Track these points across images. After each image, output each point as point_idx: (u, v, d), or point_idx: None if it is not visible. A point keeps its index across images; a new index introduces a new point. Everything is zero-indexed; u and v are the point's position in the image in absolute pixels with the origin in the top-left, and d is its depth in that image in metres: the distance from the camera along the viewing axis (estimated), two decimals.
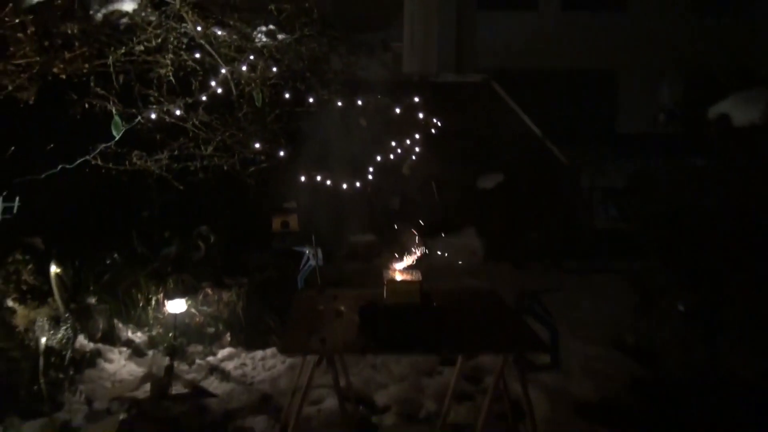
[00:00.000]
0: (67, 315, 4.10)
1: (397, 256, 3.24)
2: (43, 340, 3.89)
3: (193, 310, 5.49)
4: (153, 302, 5.35)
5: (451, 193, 8.90)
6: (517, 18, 16.95)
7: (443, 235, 8.45)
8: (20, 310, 3.88)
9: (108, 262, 4.98)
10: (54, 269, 4.15)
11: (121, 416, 3.76)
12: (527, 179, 9.04)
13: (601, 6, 17.02)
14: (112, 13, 5.26)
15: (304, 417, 3.98)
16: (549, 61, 16.62)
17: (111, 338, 5.04)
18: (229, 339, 5.53)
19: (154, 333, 5.28)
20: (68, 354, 4.09)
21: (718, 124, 3.51)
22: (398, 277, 3.10)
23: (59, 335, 3.96)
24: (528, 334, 2.85)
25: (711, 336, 4.36)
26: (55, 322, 3.98)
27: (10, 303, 3.85)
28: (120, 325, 5.18)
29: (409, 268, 3.21)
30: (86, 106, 4.19)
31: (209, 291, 5.59)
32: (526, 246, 8.80)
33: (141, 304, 5.33)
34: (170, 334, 5.05)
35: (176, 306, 5.14)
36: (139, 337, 5.25)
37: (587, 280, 7.83)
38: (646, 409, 4.31)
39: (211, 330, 5.54)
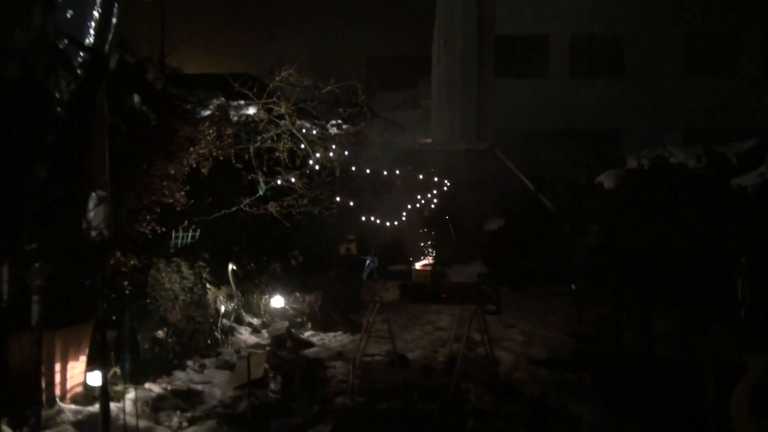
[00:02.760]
0: (238, 293, 7.05)
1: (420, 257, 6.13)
2: (222, 308, 6.82)
3: (287, 306, 8.40)
4: (263, 299, 8.27)
5: (463, 233, 11.74)
6: (530, 84, 19.66)
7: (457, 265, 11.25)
8: (211, 290, 6.84)
9: (248, 268, 7.96)
10: (231, 267, 7.14)
11: (267, 348, 6.62)
12: (523, 222, 11.82)
13: (603, 72, 19.65)
14: (242, 116, 8.44)
15: (363, 362, 6.75)
16: (558, 121, 19.02)
17: (239, 320, 7.95)
18: (310, 325, 8.40)
19: (264, 319, 8.19)
20: (231, 319, 7.02)
21: (598, 187, 6.30)
22: (419, 267, 5.97)
23: (233, 304, 6.90)
24: (485, 296, 5.65)
25: (618, 328, 6.98)
26: (230, 298, 6.92)
27: (208, 285, 6.84)
28: (243, 312, 8.09)
29: (425, 265, 6.09)
30: (249, 177, 7.27)
31: (297, 294, 8.51)
32: (523, 273, 11.51)
33: (255, 301, 8.25)
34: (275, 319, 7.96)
35: (277, 302, 8.08)
36: (255, 321, 8.16)
37: (563, 297, 10.50)
38: (575, 363, 6.95)
39: (299, 320, 8.42)
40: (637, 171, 5.70)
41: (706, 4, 18.79)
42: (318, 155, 7.56)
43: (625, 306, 6.88)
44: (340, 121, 8.60)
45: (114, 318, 4.95)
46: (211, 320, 7.06)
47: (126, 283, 6.18)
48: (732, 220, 4.28)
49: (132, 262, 6.20)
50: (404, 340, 8.00)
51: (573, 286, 7.18)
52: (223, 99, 8.07)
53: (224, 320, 7.42)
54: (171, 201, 6.37)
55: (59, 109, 3.26)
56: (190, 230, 7.23)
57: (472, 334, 6.09)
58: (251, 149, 7.55)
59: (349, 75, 8.50)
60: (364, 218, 7.76)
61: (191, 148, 6.98)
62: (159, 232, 6.21)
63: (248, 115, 8.28)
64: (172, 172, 6.50)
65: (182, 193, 6.49)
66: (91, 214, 3.93)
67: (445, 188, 8.85)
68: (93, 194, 3.89)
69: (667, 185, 5.05)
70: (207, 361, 6.78)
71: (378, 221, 7.94)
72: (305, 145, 7.66)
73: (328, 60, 8.18)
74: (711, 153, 4.90)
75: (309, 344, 7.48)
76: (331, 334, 8.24)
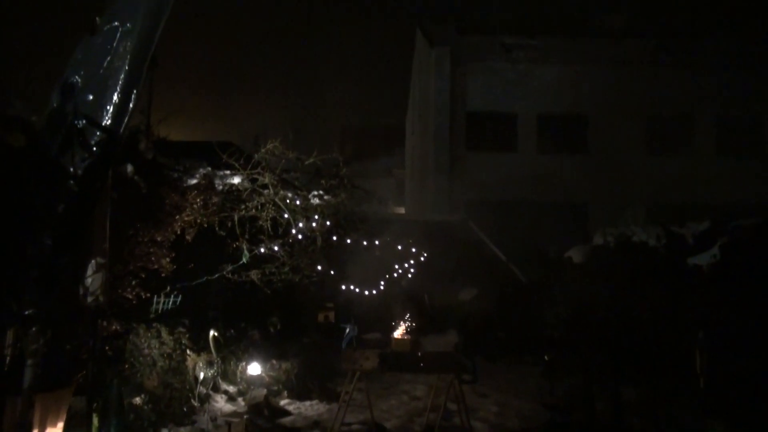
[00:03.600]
0: (218, 360, 7.07)
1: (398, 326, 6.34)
2: (201, 374, 6.83)
3: (263, 373, 8.40)
4: (240, 367, 8.26)
5: (438, 302, 11.96)
6: (500, 158, 20.48)
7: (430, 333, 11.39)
8: (191, 356, 6.86)
9: (226, 334, 8.00)
10: (212, 333, 7.18)
11: (245, 417, 6.61)
12: (495, 293, 12.11)
13: (568, 149, 20.60)
14: (227, 185, 8.70)
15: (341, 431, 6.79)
16: (527, 194, 19.69)
17: (216, 388, 7.90)
18: (286, 393, 8.38)
19: (240, 387, 8.15)
20: (209, 386, 7.01)
21: (567, 261, 6.70)
22: (398, 336, 6.16)
23: (212, 371, 6.91)
24: (462, 365, 5.84)
25: (590, 398, 7.20)
26: (209, 364, 6.94)
27: (188, 352, 6.86)
28: (220, 380, 8.06)
29: (402, 334, 6.28)
30: (233, 245, 7.46)
31: (274, 362, 8.53)
32: (496, 343, 11.68)
33: (232, 368, 8.23)
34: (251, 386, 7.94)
35: (254, 369, 8.10)
36: (231, 388, 8.12)
37: (535, 367, 10.69)
38: None
39: (275, 387, 8.40)
40: (603, 247, 6.12)
41: (664, 89, 20.03)
42: (300, 224, 7.84)
43: (595, 376, 7.12)
44: (321, 192, 8.94)
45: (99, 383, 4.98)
46: (188, 387, 7.04)
47: (107, 348, 6.20)
48: (690, 296, 4.64)
49: (114, 327, 6.25)
50: (380, 409, 8.04)
51: (546, 357, 7.42)
52: (209, 168, 8.35)
53: (201, 387, 7.39)
54: (156, 267, 6.51)
55: (71, 182, 3.49)
56: (172, 296, 7.32)
57: (447, 403, 6.24)
58: (235, 217, 7.80)
59: (326, 142, 8.95)
60: (343, 287, 7.99)
61: (177, 216, 7.19)
62: (143, 297, 6.31)
63: (233, 184, 8.54)
64: (159, 238, 6.67)
65: (167, 259, 6.64)
66: (89, 281, 4.09)
67: (423, 258, 9.18)
68: (93, 261, 4.07)
69: (631, 262, 5.45)
70: (182, 429, 6.72)
71: (357, 290, 8.17)
72: (288, 215, 7.94)
73: (305, 128, 8.62)
74: (669, 233, 5.33)
75: (286, 413, 7.48)
76: (307, 402, 8.23)
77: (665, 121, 20.78)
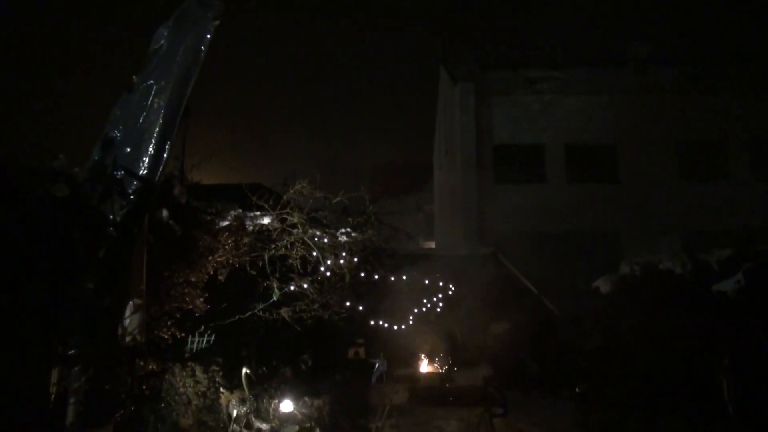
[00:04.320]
0: (250, 397, 7.21)
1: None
2: (235, 412, 6.97)
3: (296, 410, 8.47)
4: (272, 404, 8.35)
5: (469, 336, 11.88)
6: (529, 190, 20.42)
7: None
8: (224, 394, 7.02)
9: (258, 372, 8.14)
10: (245, 370, 7.34)
11: None
12: (528, 325, 11.98)
13: (598, 178, 20.43)
14: (257, 225, 8.96)
15: None
16: (558, 225, 19.50)
17: (249, 425, 8.00)
18: (318, 430, 8.42)
19: (273, 424, 8.23)
20: (242, 424, 7.13)
21: (595, 291, 6.68)
22: (427, 370, 6.20)
23: (245, 409, 7.04)
24: (492, 397, 5.85)
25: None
26: (242, 402, 7.07)
27: (221, 390, 7.02)
28: (253, 417, 8.16)
29: (432, 368, 6.32)
30: (264, 284, 7.67)
31: (306, 398, 8.60)
32: (529, 376, 11.51)
33: (264, 405, 8.33)
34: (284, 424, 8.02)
35: (286, 406, 8.19)
36: (264, 426, 8.20)
37: (571, 400, 10.50)
38: None
39: (307, 425, 8.45)
40: (630, 276, 6.10)
41: (694, 116, 19.80)
42: (329, 262, 8.02)
43: (629, 407, 7.00)
44: (349, 230, 9.13)
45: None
46: (222, 425, 7.16)
47: (144, 387, 6.40)
48: (715, 322, 4.61)
49: (151, 366, 6.45)
50: None
51: (576, 389, 7.34)
52: (240, 210, 8.63)
53: (234, 425, 7.50)
54: (190, 307, 6.73)
55: (111, 228, 3.73)
56: (206, 335, 7.52)
57: None
58: (266, 256, 8.03)
59: (356, 182, 9.19)
60: (372, 322, 8.11)
61: (210, 257, 7.43)
62: (178, 337, 6.52)
63: (263, 225, 8.80)
64: (193, 279, 6.91)
65: (201, 299, 6.86)
66: (127, 321, 4.31)
67: (450, 292, 9.24)
68: (131, 302, 4.30)
69: (658, 290, 5.43)
70: None
71: (386, 325, 8.27)
72: (317, 253, 8.14)
73: (335, 167, 8.88)
74: (695, 260, 5.32)
75: None
76: None
77: (696, 148, 20.41)
